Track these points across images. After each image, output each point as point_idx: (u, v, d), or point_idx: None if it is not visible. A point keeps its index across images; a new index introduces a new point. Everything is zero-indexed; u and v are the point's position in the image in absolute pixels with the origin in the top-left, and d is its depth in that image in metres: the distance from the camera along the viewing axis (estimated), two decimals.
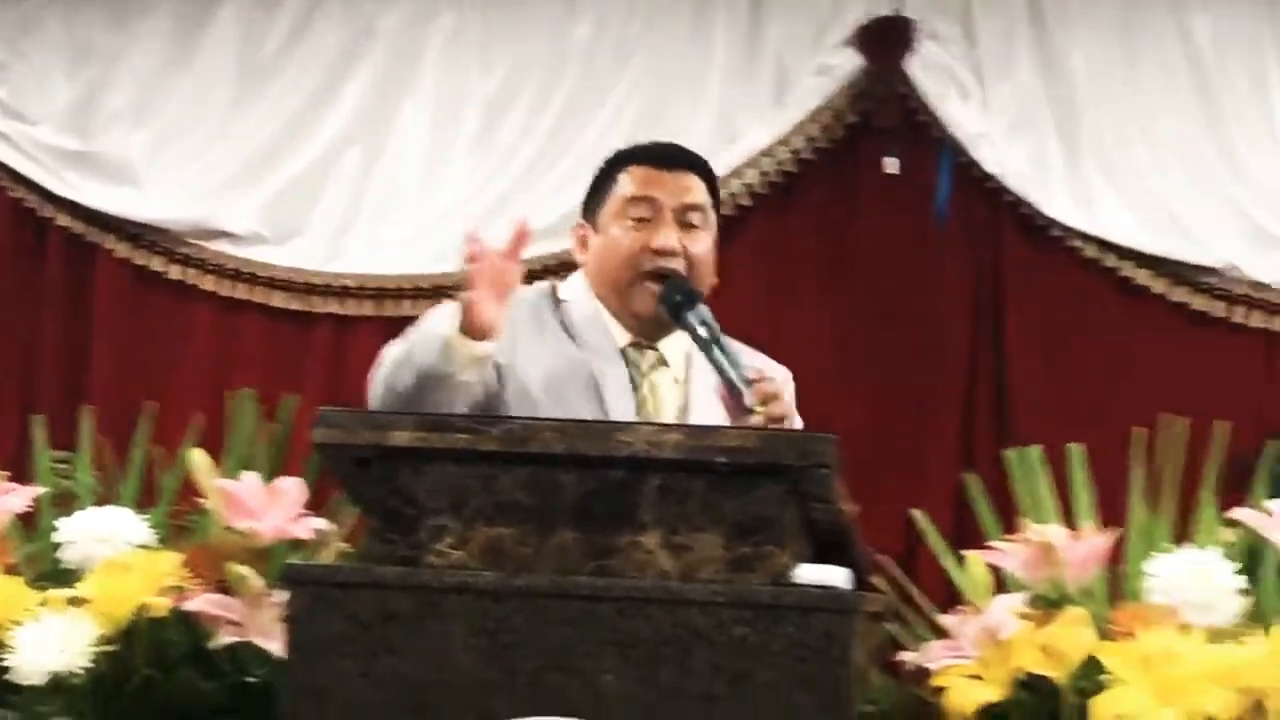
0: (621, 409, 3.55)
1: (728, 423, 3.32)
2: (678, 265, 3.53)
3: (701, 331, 3.40)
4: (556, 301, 3.71)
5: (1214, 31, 5.77)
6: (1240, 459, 3.15)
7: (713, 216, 3.70)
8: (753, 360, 3.65)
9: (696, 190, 3.67)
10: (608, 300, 3.63)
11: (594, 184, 3.73)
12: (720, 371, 3.34)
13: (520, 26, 6.09)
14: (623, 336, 3.59)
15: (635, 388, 3.59)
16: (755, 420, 3.24)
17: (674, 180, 3.66)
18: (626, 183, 3.64)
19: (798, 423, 3.64)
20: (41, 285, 6.32)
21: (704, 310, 3.43)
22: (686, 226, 3.61)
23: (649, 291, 3.52)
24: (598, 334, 3.61)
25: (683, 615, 2.64)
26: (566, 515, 2.74)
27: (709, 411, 3.51)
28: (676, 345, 3.60)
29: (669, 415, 3.59)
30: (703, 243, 3.62)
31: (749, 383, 3.28)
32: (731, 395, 3.30)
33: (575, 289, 3.73)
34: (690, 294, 3.48)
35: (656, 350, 3.62)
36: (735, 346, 3.54)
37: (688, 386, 3.58)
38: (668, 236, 3.56)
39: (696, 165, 3.76)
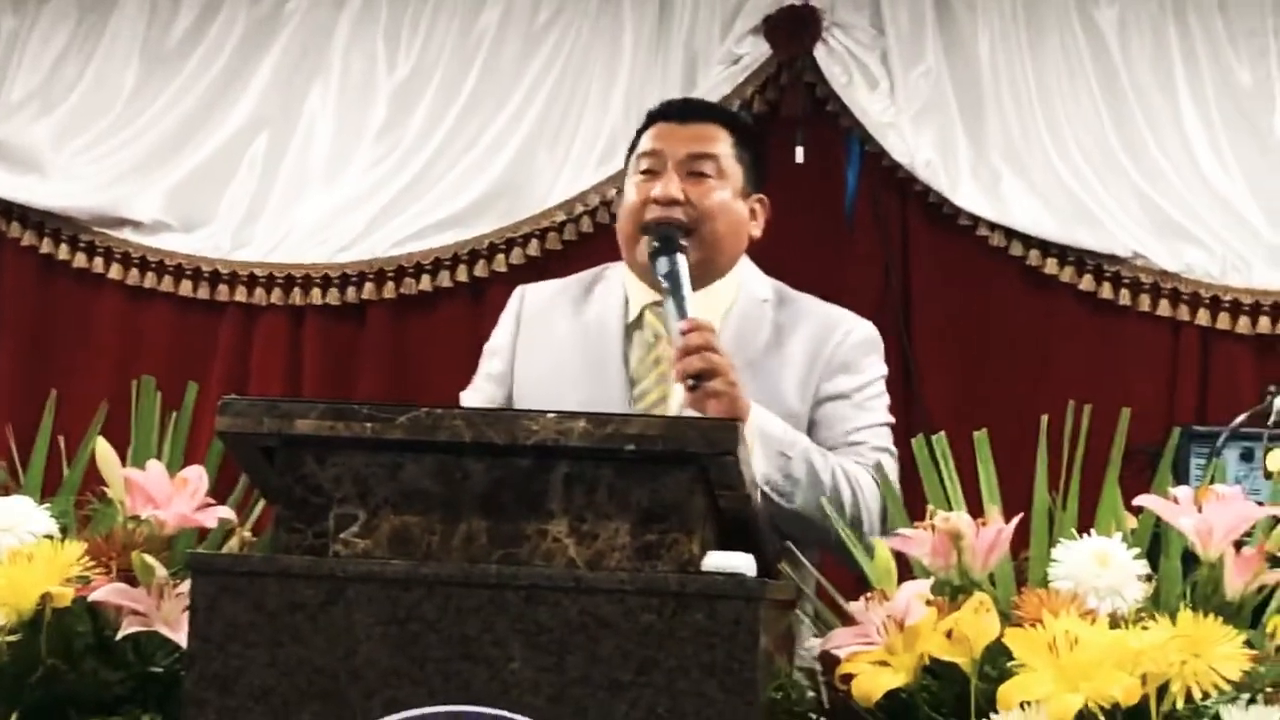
0: (611, 388, 3.57)
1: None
2: (678, 214, 3.53)
3: (663, 281, 3.40)
4: (594, 283, 3.74)
5: (1118, 20, 5.84)
6: (1146, 446, 3.18)
7: (734, 167, 3.66)
8: (832, 316, 3.74)
9: (710, 140, 3.67)
10: (628, 259, 3.64)
11: (628, 150, 3.77)
12: (667, 322, 3.38)
13: (429, 12, 6.10)
14: (645, 296, 3.58)
15: (633, 362, 3.61)
16: (674, 371, 3.30)
17: (685, 131, 3.67)
18: (643, 140, 3.68)
19: (874, 372, 3.71)
20: None
21: (678, 259, 3.42)
22: (695, 175, 3.60)
23: (647, 242, 3.52)
24: (610, 312, 3.64)
25: (590, 603, 2.65)
26: (474, 503, 2.75)
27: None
28: (705, 302, 3.54)
29: (675, 383, 3.56)
30: (716, 193, 3.61)
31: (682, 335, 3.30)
32: (675, 348, 3.32)
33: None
34: (667, 241, 3.47)
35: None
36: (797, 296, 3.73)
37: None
38: (666, 185, 3.55)
39: (718, 116, 3.79)
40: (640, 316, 3.60)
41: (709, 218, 3.57)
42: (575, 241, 5.98)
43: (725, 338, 3.50)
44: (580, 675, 2.64)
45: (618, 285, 3.67)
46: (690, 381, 3.25)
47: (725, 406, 3.26)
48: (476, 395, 3.72)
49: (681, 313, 3.33)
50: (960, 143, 5.83)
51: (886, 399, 3.70)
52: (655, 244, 3.46)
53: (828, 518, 3.12)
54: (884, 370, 3.72)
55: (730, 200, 3.63)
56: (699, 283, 3.51)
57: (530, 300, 3.71)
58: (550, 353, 3.60)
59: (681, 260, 3.43)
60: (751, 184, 3.70)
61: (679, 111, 3.75)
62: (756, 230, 3.73)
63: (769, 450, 3.36)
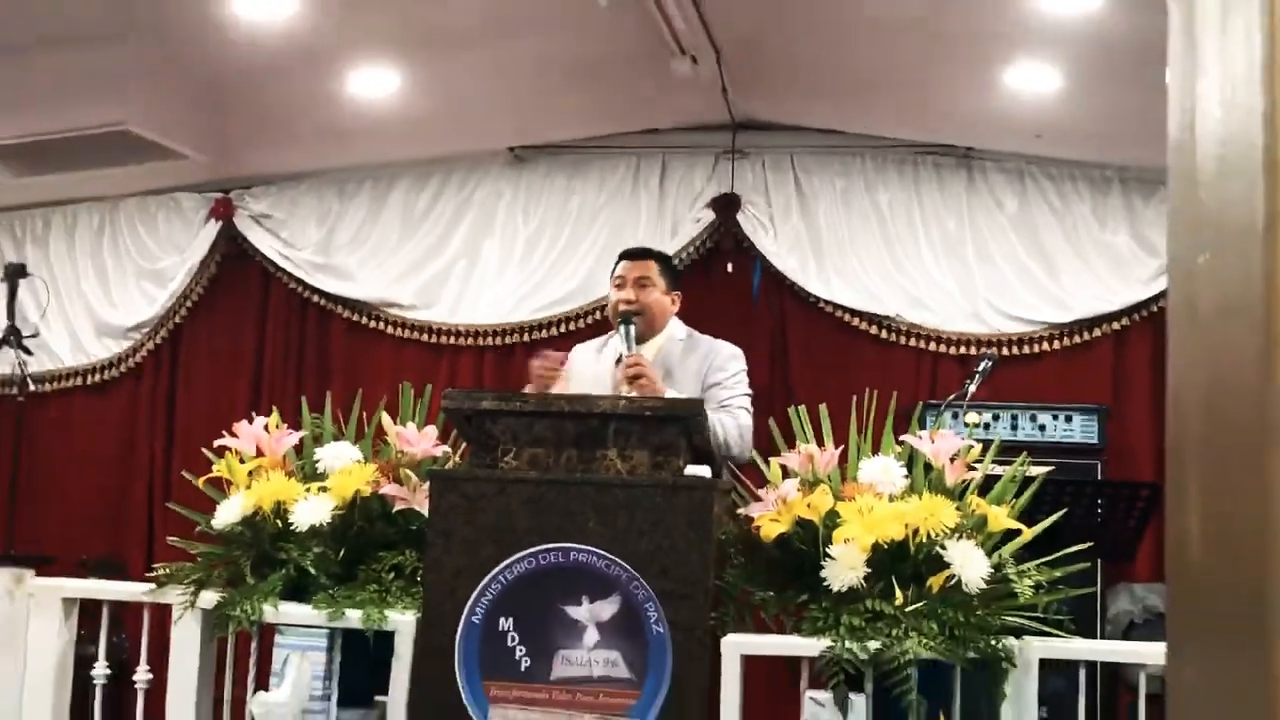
0: (609, 391, 3.59)
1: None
2: (635, 308, 3.57)
3: (626, 340, 3.46)
4: (607, 341, 3.75)
5: (889, 200, 5.82)
6: (906, 410, 3.17)
7: (660, 280, 3.69)
8: (714, 345, 3.73)
9: (647, 268, 3.69)
10: (614, 325, 3.66)
11: (612, 269, 3.79)
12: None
13: (544, 200, 6.10)
14: (623, 348, 3.56)
15: (619, 378, 3.58)
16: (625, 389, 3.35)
17: (635, 265, 3.69)
18: (618, 268, 3.70)
19: (735, 369, 3.66)
20: (304, 334, 6.31)
21: (630, 329, 3.48)
22: (641, 286, 3.62)
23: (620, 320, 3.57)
24: (612, 355, 3.63)
25: (629, 493, 2.66)
26: (569, 442, 2.76)
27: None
28: (651, 343, 3.61)
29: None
30: (651, 294, 3.64)
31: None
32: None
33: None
34: (627, 319, 3.53)
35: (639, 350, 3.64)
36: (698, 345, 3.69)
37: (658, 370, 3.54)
38: (627, 294, 3.59)
39: (650, 255, 3.81)
40: (620, 358, 3.61)
41: (647, 308, 3.60)
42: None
43: (657, 359, 3.56)
44: (624, 528, 2.65)
45: (616, 341, 3.67)
46: (629, 381, 3.32)
47: (650, 389, 3.29)
48: None
49: (630, 351, 3.42)
50: (810, 262, 5.79)
51: (745, 383, 3.66)
52: (621, 321, 3.51)
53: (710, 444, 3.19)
54: (743, 367, 3.70)
55: (659, 297, 3.65)
56: (646, 335, 3.59)
57: (575, 358, 3.71)
58: (584, 376, 3.60)
59: (631, 329, 3.48)
60: (669, 286, 3.72)
61: (632, 254, 3.78)
62: (675, 309, 3.75)
63: None
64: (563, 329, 5.97)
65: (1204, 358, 0.61)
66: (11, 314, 5.26)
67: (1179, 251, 0.62)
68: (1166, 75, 0.63)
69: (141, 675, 3.04)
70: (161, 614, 3.02)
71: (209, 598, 2.92)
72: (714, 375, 3.61)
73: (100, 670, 3.08)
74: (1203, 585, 0.58)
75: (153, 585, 3.00)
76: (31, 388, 5.43)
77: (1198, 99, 0.61)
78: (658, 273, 3.71)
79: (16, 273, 5.32)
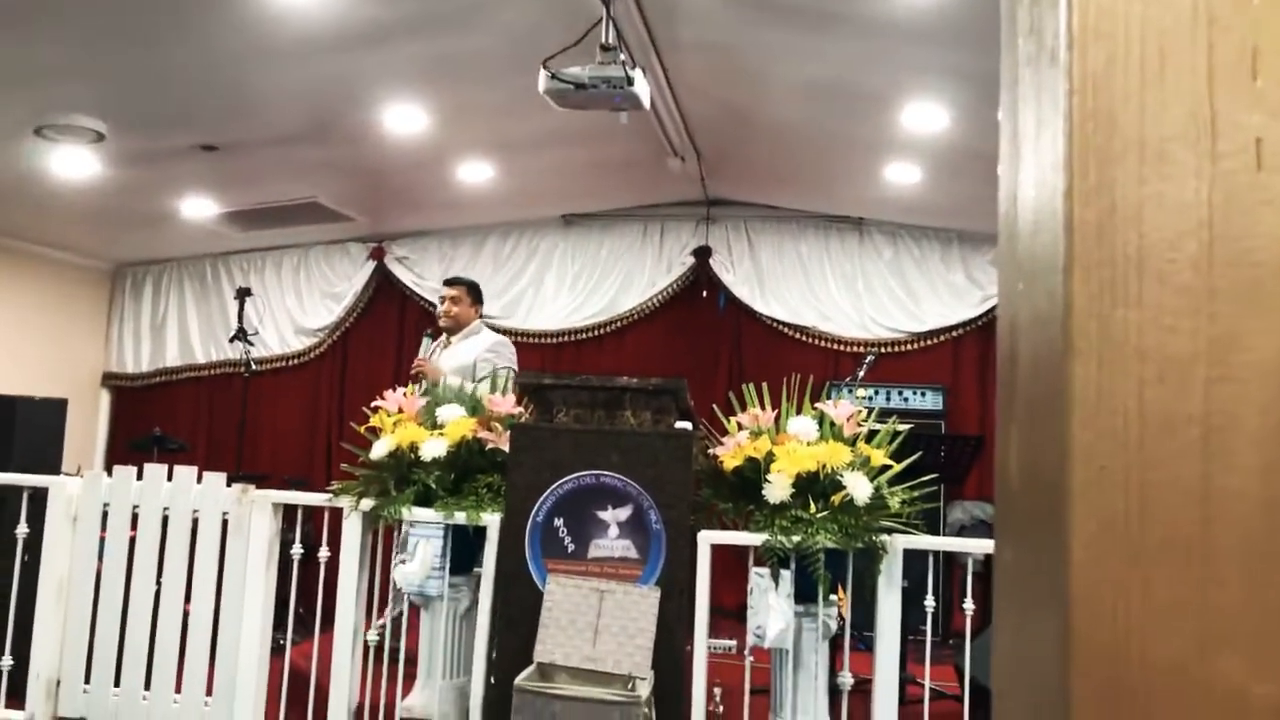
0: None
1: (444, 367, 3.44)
2: (448, 320, 3.60)
3: (429, 345, 3.54)
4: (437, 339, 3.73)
5: (808, 250, 5.78)
6: (817, 387, 3.15)
7: (465, 297, 3.62)
8: (489, 337, 3.64)
9: (454, 290, 3.64)
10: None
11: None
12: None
13: (585, 249, 6.05)
14: (425, 349, 3.60)
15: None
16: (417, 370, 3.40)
17: (448, 289, 3.68)
18: (442, 290, 3.72)
19: (499, 351, 3.59)
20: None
21: (428, 339, 3.56)
22: (452, 302, 3.61)
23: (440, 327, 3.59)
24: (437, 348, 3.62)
25: (638, 439, 2.63)
26: (600, 405, 2.73)
27: (451, 363, 3.49)
28: (459, 337, 3.58)
29: (449, 366, 3.56)
30: (458, 307, 3.61)
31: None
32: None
33: None
34: (429, 333, 3.57)
35: (451, 344, 3.61)
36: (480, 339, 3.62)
37: (453, 352, 3.52)
38: (444, 308, 3.62)
39: (456, 281, 3.74)
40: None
41: (455, 318, 3.59)
42: (630, 324, 5.95)
43: (462, 344, 3.50)
44: (635, 461, 2.62)
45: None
46: (415, 371, 3.40)
47: (430, 377, 3.33)
48: None
49: (424, 355, 3.47)
50: (756, 291, 5.77)
51: (503, 356, 3.56)
52: (427, 334, 3.57)
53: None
54: (502, 352, 3.58)
55: (463, 309, 3.61)
56: (456, 331, 3.56)
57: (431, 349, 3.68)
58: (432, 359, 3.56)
59: (427, 338, 3.53)
60: (472, 301, 3.65)
61: (447, 283, 3.72)
62: (475, 312, 3.67)
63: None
64: (595, 333, 5.97)
65: (1021, 353, 0.60)
66: (240, 320, 5.27)
67: (1005, 282, 0.61)
68: (998, 167, 0.63)
69: (323, 553, 3.05)
70: (336, 514, 3.03)
71: (367, 503, 2.92)
72: (481, 355, 3.57)
73: (296, 550, 3.09)
74: (1018, 496, 0.58)
75: (331, 495, 3.00)
76: (254, 369, 5.44)
77: (1019, 183, 0.61)
78: (464, 293, 3.67)
79: (244, 293, 5.33)
